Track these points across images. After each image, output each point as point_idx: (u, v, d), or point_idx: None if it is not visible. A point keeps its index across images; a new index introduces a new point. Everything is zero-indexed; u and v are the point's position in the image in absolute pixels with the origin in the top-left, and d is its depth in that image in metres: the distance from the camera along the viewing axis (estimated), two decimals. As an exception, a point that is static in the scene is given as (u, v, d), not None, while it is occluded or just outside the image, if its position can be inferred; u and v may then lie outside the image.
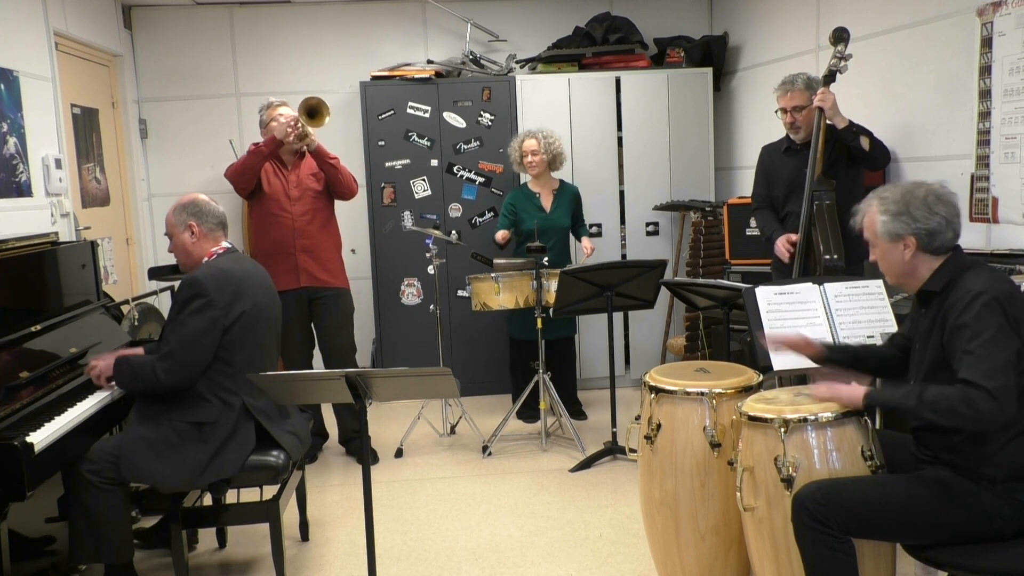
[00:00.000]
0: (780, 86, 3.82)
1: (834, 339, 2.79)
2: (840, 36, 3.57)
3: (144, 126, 5.61)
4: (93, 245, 3.65)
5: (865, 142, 3.57)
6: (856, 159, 3.66)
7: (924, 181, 2.32)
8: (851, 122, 3.59)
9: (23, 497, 2.46)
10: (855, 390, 2.35)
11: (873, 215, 2.31)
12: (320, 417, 4.52)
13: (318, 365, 4.51)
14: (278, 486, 3.08)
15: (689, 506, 2.73)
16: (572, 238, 5.07)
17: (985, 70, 3.43)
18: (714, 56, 5.65)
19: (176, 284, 4.41)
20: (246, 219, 5.55)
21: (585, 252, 4.76)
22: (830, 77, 3.60)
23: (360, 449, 2.66)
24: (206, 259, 3.03)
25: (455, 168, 5.47)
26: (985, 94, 3.44)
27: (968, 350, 2.10)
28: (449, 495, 3.96)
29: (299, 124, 4.13)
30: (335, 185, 4.29)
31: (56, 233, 3.63)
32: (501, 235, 4.78)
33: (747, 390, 2.72)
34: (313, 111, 4.18)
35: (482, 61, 5.59)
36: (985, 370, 2.05)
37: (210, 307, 2.84)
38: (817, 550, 2.18)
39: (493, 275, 4.37)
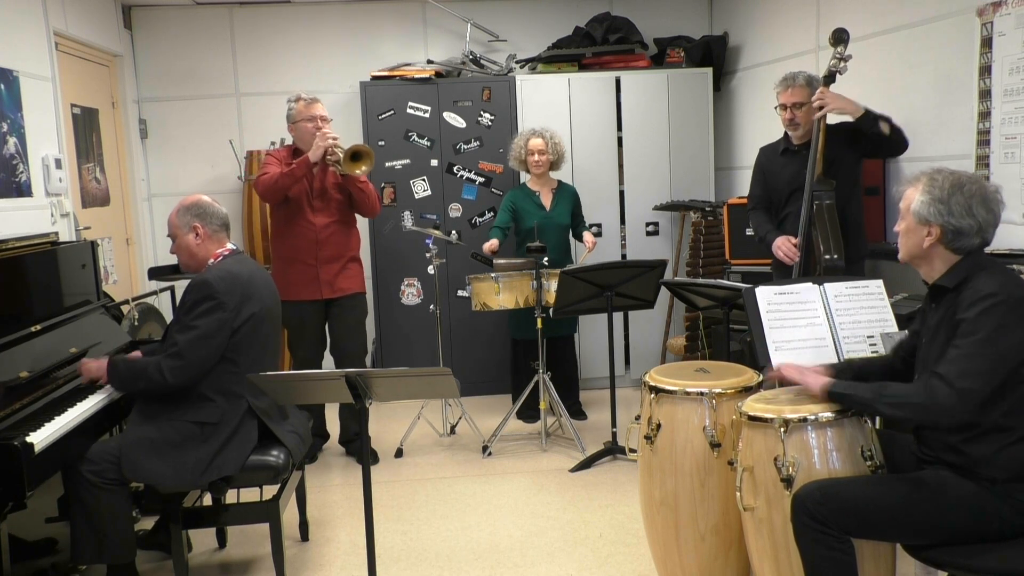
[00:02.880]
0: (781, 82, 3.81)
1: (834, 339, 2.79)
2: (840, 37, 3.57)
3: (144, 126, 5.61)
4: (93, 245, 3.65)
5: (885, 127, 3.52)
6: (875, 146, 3.61)
7: (980, 178, 2.26)
8: (867, 109, 3.54)
9: (23, 505, 2.47)
10: (817, 380, 2.39)
11: (915, 191, 2.26)
12: (322, 417, 4.52)
13: (328, 367, 4.51)
14: (278, 486, 3.08)
15: (689, 506, 2.73)
16: (572, 238, 5.07)
17: (985, 70, 3.43)
18: (714, 56, 5.65)
19: (176, 284, 4.43)
20: (246, 219, 5.56)
21: (587, 246, 4.75)
22: (830, 78, 3.59)
23: (360, 449, 2.66)
24: (212, 261, 3.03)
25: (455, 168, 5.47)
26: (985, 94, 3.44)
27: (955, 344, 2.12)
28: (449, 495, 3.96)
29: (335, 152, 4.12)
30: (359, 206, 4.32)
31: (56, 233, 3.63)
32: (489, 245, 4.69)
33: (747, 390, 2.72)
34: (357, 156, 4.15)
35: (482, 61, 5.59)
36: (960, 369, 2.07)
37: (220, 309, 2.85)
38: (817, 550, 2.17)
39: (493, 275, 4.37)
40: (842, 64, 3.56)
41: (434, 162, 5.45)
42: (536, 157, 4.78)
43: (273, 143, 5.50)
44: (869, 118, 3.52)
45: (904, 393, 2.17)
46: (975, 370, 2.07)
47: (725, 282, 3.79)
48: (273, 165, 4.16)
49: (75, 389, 2.97)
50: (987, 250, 3.34)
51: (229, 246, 3.09)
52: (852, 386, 2.31)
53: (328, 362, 4.51)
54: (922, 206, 2.22)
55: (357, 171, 4.15)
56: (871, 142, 3.59)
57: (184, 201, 3.06)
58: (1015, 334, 2.09)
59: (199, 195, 3.10)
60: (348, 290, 4.32)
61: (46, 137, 4.14)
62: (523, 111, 5.44)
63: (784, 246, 3.74)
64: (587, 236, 4.80)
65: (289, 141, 4.48)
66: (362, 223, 5.44)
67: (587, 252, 4.73)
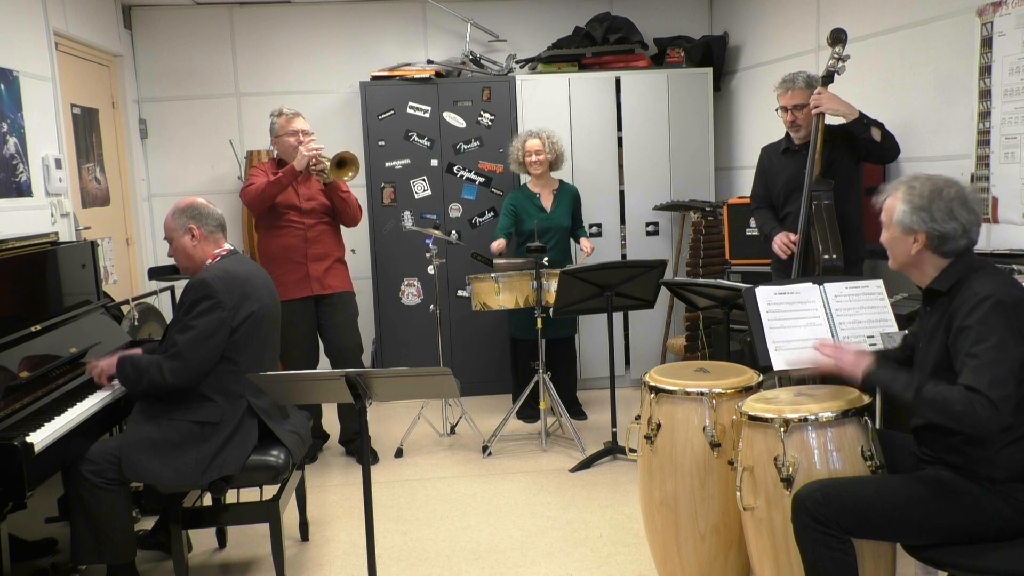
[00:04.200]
0: (780, 84, 3.81)
1: (835, 339, 2.78)
2: (838, 37, 3.57)
3: (144, 126, 5.61)
4: (93, 245, 3.65)
5: (876, 133, 3.53)
6: (866, 151, 3.62)
7: (956, 180, 2.26)
8: (862, 113, 3.54)
9: (23, 505, 2.47)
10: (858, 362, 2.33)
11: (895, 201, 2.27)
12: (320, 417, 4.52)
13: (324, 367, 4.51)
14: (278, 486, 3.08)
15: (689, 506, 2.73)
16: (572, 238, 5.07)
17: (985, 70, 3.43)
18: (714, 56, 5.65)
19: (176, 284, 4.43)
20: (246, 219, 5.55)
21: (584, 252, 4.75)
22: (828, 78, 3.59)
23: (360, 449, 2.66)
24: (209, 261, 3.04)
25: (455, 168, 5.47)
26: (985, 94, 3.44)
27: (972, 353, 2.08)
28: (449, 495, 3.96)
29: (320, 160, 4.18)
30: (341, 216, 4.37)
31: (56, 233, 3.63)
32: (496, 245, 4.75)
33: (747, 390, 2.72)
34: (343, 163, 4.21)
35: (482, 61, 5.59)
36: (989, 378, 2.04)
37: (218, 308, 2.86)
38: (817, 550, 2.18)
39: (493, 275, 4.37)
40: (840, 64, 3.56)
41: (434, 162, 5.45)
42: (534, 158, 4.78)
43: (273, 143, 5.50)
44: (861, 123, 3.53)
45: (944, 397, 2.09)
46: (1003, 376, 2.04)
47: (725, 282, 3.79)
48: (259, 176, 4.21)
49: (75, 389, 2.97)
50: (988, 250, 3.37)
51: (226, 246, 3.10)
52: (891, 379, 2.26)
53: (324, 363, 4.51)
54: (904, 215, 2.24)
55: (344, 177, 4.22)
56: (864, 146, 3.60)
57: (179, 204, 3.08)
58: (1015, 333, 2.09)
59: (194, 197, 3.13)
60: (338, 288, 4.35)
61: (46, 137, 4.14)
62: (523, 111, 5.44)
63: (780, 239, 3.77)
64: (584, 242, 4.80)
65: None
66: (361, 222, 5.45)
67: (585, 257, 4.74)
